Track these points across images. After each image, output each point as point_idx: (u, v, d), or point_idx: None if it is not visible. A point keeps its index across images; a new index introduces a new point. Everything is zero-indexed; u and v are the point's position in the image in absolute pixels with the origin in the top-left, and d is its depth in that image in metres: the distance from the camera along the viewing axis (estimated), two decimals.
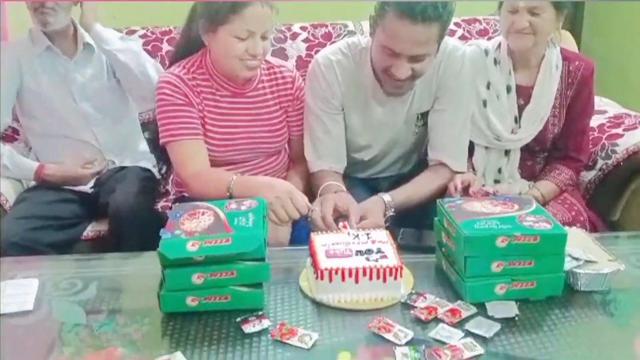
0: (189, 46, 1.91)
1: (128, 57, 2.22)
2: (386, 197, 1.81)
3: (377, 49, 1.79)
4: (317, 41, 2.57)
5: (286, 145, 2.08)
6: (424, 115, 1.99)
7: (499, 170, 2.11)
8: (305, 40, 2.58)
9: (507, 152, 2.09)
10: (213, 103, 1.88)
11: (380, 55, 1.78)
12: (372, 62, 1.88)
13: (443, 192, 1.90)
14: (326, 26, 2.63)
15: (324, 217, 1.67)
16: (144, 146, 2.39)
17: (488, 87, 2.04)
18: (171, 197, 2.25)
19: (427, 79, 1.90)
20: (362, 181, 2.13)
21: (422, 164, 2.06)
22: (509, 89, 2.04)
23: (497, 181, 2.11)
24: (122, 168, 2.28)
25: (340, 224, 1.59)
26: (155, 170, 2.30)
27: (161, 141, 1.85)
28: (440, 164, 1.96)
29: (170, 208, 1.52)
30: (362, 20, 2.59)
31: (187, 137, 1.82)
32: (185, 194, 1.97)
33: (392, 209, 1.79)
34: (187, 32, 1.91)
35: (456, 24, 2.62)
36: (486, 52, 2.06)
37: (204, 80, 1.87)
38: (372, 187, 2.11)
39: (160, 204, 2.27)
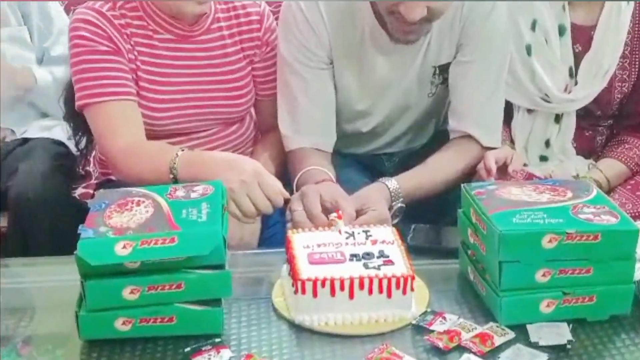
0: None
1: None
2: (391, 182, 1.82)
3: None
4: None
5: (252, 110, 2.09)
6: (444, 70, 1.99)
7: (547, 143, 2.13)
8: None
9: (557, 118, 2.11)
10: (149, 50, 1.88)
11: None
12: None
13: (470, 175, 1.91)
14: None
15: (310, 212, 1.65)
16: (55, 111, 2.39)
17: (533, 27, 2.06)
18: (93, 180, 2.24)
19: (446, 19, 1.90)
20: (359, 160, 2.15)
21: (440, 137, 2.08)
22: (562, 30, 2.06)
23: (544, 158, 2.14)
24: (26, 141, 2.28)
25: (333, 214, 1.58)
26: (71, 144, 2.29)
27: (77, 104, 1.85)
28: (465, 136, 1.97)
29: (93, 196, 1.52)
30: None
31: (113, 98, 1.82)
32: (112, 177, 1.97)
33: (401, 199, 1.80)
34: None
35: None
36: None
37: (137, 19, 1.87)
38: (372, 167, 2.13)
39: (79, 191, 2.26)
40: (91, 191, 2.11)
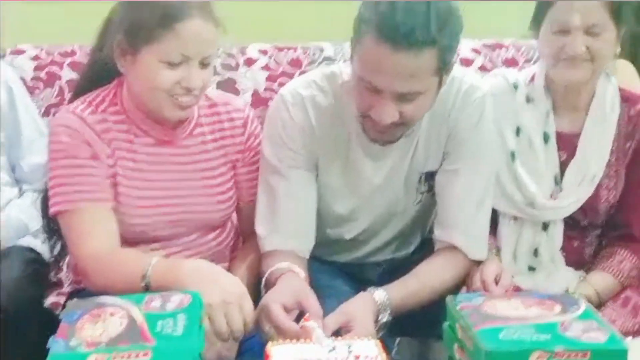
0: (98, 74, 1.93)
1: None
2: (379, 293, 1.79)
3: (355, 82, 1.80)
4: (281, 69, 2.62)
5: (234, 216, 2.08)
6: (430, 177, 2.01)
7: (535, 253, 2.12)
8: (265, 67, 2.63)
9: (545, 226, 2.11)
10: (129, 155, 1.89)
11: (357, 90, 1.79)
12: None
13: (457, 286, 1.91)
14: (294, 49, 2.68)
15: (280, 328, 1.63)
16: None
17: (518, 133, 2.09)
18: (65, 289, 2.21)
19: (434, 125, 1.93)
20: (342, 268, 2.13)
21: (426, 246, 2.07)
22: (546, 137, 2.09)
23: (532, 268, 2.13)
24: None
25: (302, 322, 1.57)
26: (45, 250, 2.27)
27: (51, 210, 1.84)
28: (451, 247, 1.96)
29: (64, 305, 1.50)
30: (344, 42, 2.62)
31: (87, 205, 1.81)
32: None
33: (388, 311, 1.78)
34: (97, 54, 1.92)
35: (475, 50, 2.71)
36: (515, 86, 2.11)
37: (119, 123, 1.88)
38: (356, 276, 2.11)
39: (51, 299, 2.23)
40: (62, 300, 2.08)
